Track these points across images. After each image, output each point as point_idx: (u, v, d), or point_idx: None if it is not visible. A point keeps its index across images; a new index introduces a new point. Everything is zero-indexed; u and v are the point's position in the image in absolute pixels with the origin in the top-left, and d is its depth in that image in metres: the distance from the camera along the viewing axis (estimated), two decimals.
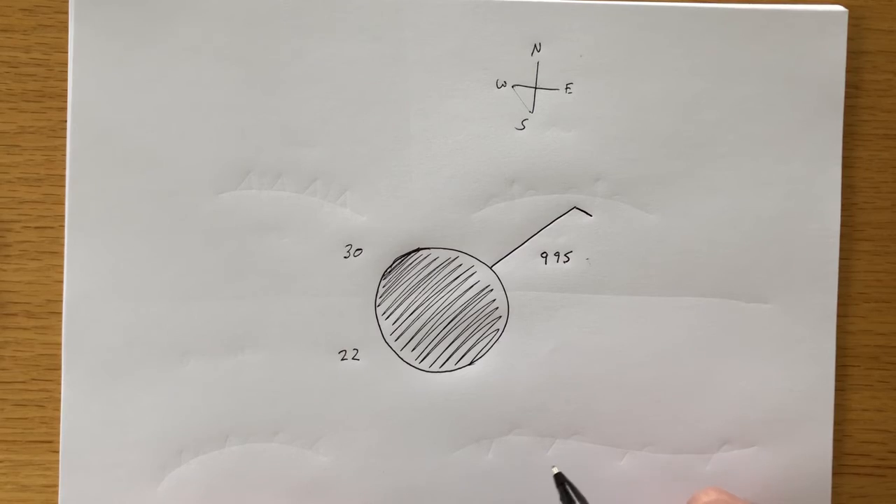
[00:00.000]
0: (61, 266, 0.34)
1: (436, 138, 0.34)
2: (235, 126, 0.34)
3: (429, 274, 0.34)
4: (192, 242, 0.34)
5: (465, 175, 0.34)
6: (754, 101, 0.34)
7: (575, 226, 0.34)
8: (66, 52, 0.34)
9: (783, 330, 0.34)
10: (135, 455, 0.34)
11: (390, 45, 0.34)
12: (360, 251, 0.34)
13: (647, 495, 0.34)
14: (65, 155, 0.34)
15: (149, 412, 0.34)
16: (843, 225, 0.34)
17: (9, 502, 0.34)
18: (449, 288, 0.34)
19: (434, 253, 0.34)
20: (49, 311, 0.34)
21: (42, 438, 0.34)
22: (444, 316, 0.34)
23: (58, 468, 0.34)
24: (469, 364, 0.34)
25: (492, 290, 0.34)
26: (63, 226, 0.34)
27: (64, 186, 0.34)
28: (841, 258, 0.34)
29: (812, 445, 0.34)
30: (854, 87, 0.35)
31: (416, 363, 0.34)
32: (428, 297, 0.34)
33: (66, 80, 0.34)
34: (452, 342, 0.34)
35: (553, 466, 0.32)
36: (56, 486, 0.34)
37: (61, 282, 0.34)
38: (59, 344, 0.34)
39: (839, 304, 0.34)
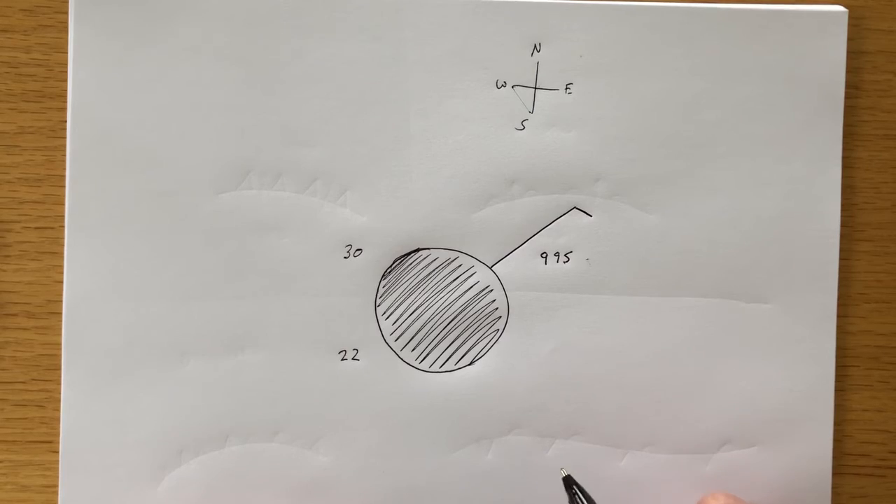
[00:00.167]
0: (61, 266, 0.34)
1: (436, 138, 0.34)
2: (235, 126, 0.34)
3: (429, 274, 0.34)
4: (192, 242, 0.34)
5: (465, 175, 0.34)
6: (754, 101, 0.34)
7: (575, 226, 0.34)
8: (66, 52, 0.34)
9: (783, 330, 0.34)
10: (135, 455, 0.34)
11: (390, 45, 0.34)
12: (360, 251, 0.34)
13: (647, 495, 0.34)
14: (65, 155, 0.34)
15: (149, 412, 0.34)
16: (843, 225, 0.34)
17: (9, 502, 0.34)
18: (449, 288, 0.34)
19: (434, 253, 0.34)
20: (49, 311, 0.34)
21: (42, 438, 0.34)
22: (444, 316, 0.34)
23: (58, 468, 0.34)
24: (469, 364, 0.34)
25: (492, 290, 0.34)
26: (63, 226, 0.34)
27: (64, 186, 0.34)
28: (841, 258, 0.34)
29: (812, 445, 0.34)
30: (854, 87, 0.35)
31: (416, 363, 0.34)
32: (428, 298, 0.34)
33: (66, 80, 0.34)
34: (452, 342, 0.34)
35: (562, 469, 0.32)
36: (56, 486, 0.34)
37: (61, 282, 0.34)
38: (59, 344, 0.34)
39: (839, 305, 0.34)
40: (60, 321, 0.34)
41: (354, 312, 0.34)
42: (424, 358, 0.34)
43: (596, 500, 0.31)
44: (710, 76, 0.34)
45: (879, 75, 0.35)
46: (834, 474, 0.35)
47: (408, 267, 0.34)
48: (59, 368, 0.34)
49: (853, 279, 0.35)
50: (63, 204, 0.34)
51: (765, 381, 0.34)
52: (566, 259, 0.34)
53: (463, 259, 0.34)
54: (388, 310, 0.34)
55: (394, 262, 0.34)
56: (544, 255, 0.34)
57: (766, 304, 0.34)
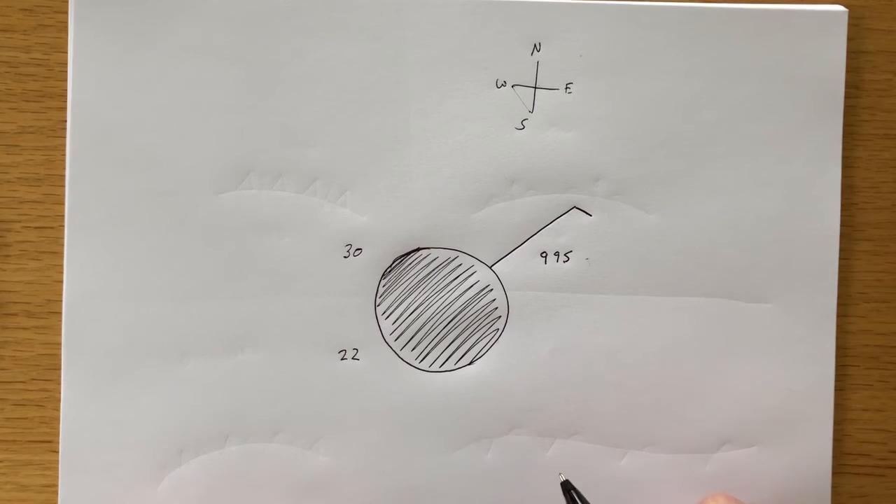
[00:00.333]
0: (61, 266, 0.34)
1: (436, 138, 0.34)
2: (235, 126, 0.34)
3: (429, 274, 0.34)
4: (192, 242, 0.34)
5: (465, 175, 0.34)
6: (754, 101, 0.34)
7: (575, 226, 0.34)
8: (66, 52, 0.34)
9: (783, 330, 0.34)
10: (135, 455, 0.34)
11: (390, 45, 0.34)
12: (359, 251, 0.34)
13: (647, 495, 0.34)
14: (65, 155, 0.34)
15: (149, 412, 0.34)
16: (843, 225, 0.34)
17: (9, 502, 0.34)
18: (449, 288, 0.34)
19: (434, 253, 0.34)
20: (49, 311, 0.34)
21: (42, 438, 0.34)
22: (444, 316, 0.34)
23: (57, 468, 0.34)
24: (469, 364, 0.34)
25: (492, 289, 0.34)
26: (63, 226, 0.34)
27: (64, 186, 0.34)
28: (841, 258, 0.34)
29: (812, 445, 0.34)
30: (854, 87, 0.35)
31: (415, 363, 0.34)
32: (428, 297, 0.34)
33: (66, 80, 0.34)
34: (452, 342, 0.34)
35: (560, 473, 0.32)
36: (56, 486, 0.34)
37: (61, 282, 0.34)
38: (59, 344, 0.34)
39: (839, 304, 0.34)
40: (60, 321, 0.34)
41: (354, 312, 0.34)
42: (424, 357, 0.34)
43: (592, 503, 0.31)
44: (710, 76, 0.34)
45: (879, 75, 0.35)
46: (834, 474, 0.35)
47: (408, 266, 0.34)
48: (59, 368, 0.34)
49: (853, 279, 0.35)
50: (63, 204, 0.34)
51: (765, 381, 0.34)
52: (566, 259, 0.34)
53: (463, 259, 0.34)
54: (388, 309, 0.34)
55: (394, 262, 0.34)
56: (544, 255, 0.34)
57: (766, 304, 0.34)
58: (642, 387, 0.34)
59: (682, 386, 0.34)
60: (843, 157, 0.34)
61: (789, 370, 0.34)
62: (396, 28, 0.34)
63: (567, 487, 0.31)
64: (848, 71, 0.34)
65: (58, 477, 0.34)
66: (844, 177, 0.35)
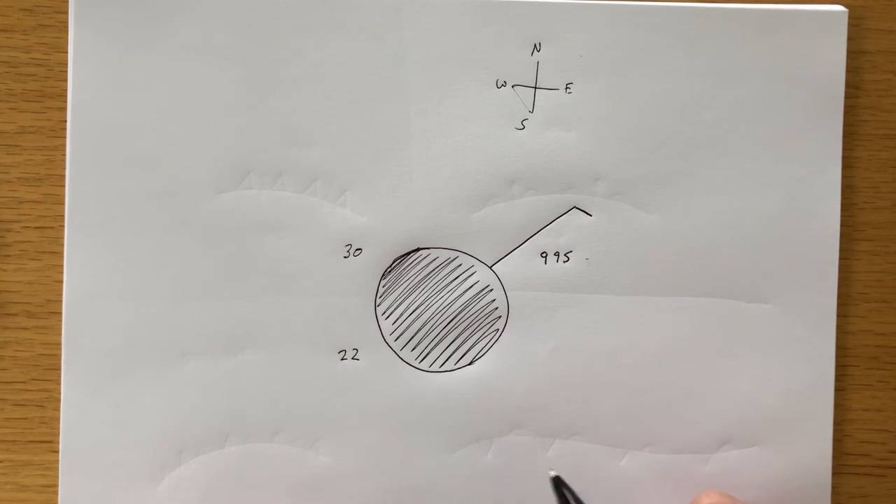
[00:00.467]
0: (61, 266, 0.34)
1: (436, 138, 0.34)
2: (235, 126, 0.34)
3: (429, 274, 0.34)
4: (192, 242, 0.34)
5: (465, 175, 0.34)
6: (754, 101, 0.34)
7: (575, 226, 0.34)
8: (66, 52, 0.34)
9: (783, 330, 0.34)
10: (135, 455, 0.34)
11: (390, 45, 0.34)
12: (359, 251, 0.34)
13: (646, 495, 0.34)
14: (65, 155, 0.34)
15: (149, 412, 0.34)
16: (843, 225, 0.34)
17: (9, 502, 0.34)
18: (449, 288, 0.34)
19: (434, 253, 0.34)
20: (49, 311, 0.34)
21: (42, 438, 0.34)
22: (444, 316, 0.34)
23: (57, 468, 0.34)
24: (469, 364, 0.34)
25: (491, 290, 0.34)
26: (63, 226, 0.34)
27: (64, 186, 0.34)
28: (841, 258, 0.34)
29: (812, 445, 0.34)
30: (854, 87, 0.35)
31: (415, 363, 0.34)
32: (428, 297, 0.34)
33: (66, 80, 0.34)
34: (452, 342, 0.34)
35: (550, 469, 0.32)
36: (56, 486, 0.34)
37: (61, 282, 0.34)
38: (59, 344, 0.34)
39: (839, 304, 0.34)
40: (60, 321, 0.34)
41: (354, 312, 0.34)
42: (424, 358, 0.34)
43: (585, 502, 0.30)
44: (710, 76, 0.34)
45: (879, 75, 0.35)
46: (834, 474, 0.35)
47: (408, 267, 0.34)
48: (59, 368, 0.34)
49: (853, 279, 0.35)
50: (63, 204, 0.34)
51: (765, 381, 0.34)
52: (566, 259, 0.34)
53: (463, 259, 0.34)
54: (388, 309, 0.34)
55: (394, 262, 0.34)
56: (544, 255, 0.34)
57: (766, 304, 0.34)
58: (642, 387, 0.34)
59: (681, 386, 0.34)
60: (843, 157, 0.34)
61: (789, 370, 0.34)
62: (396, 28, 0.34)
63: (557, 484, 0.31)
64: (848, 71, 0.34)
65: (58, 477, 0.34)
66: (844, 177, 0.35)
